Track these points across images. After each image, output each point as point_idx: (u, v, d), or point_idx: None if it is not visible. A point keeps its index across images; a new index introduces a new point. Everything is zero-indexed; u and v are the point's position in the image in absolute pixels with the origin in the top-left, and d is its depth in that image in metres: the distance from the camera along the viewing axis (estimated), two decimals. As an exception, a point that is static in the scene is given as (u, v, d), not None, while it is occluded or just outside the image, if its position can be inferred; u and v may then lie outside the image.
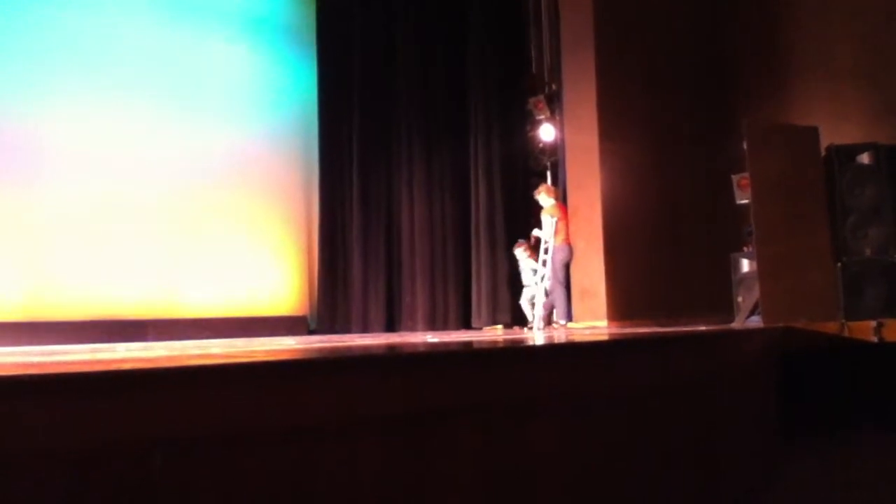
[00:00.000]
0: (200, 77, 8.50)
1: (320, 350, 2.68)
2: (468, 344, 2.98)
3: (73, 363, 1.97)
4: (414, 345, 3.28)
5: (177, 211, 8.17)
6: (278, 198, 9.04)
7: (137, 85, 7.99)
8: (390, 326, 8.79)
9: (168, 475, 1.44)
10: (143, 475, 1.42)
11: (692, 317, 6.49)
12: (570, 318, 7.55)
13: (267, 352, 2.48)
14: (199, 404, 1.50)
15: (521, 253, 8.28)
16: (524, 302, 8.24)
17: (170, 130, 8.21)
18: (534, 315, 7.89)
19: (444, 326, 8.84)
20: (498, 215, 9.08)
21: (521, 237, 8.36)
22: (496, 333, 7.32)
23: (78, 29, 7.72)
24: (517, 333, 7.20)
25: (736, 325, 5.69)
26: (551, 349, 2.71)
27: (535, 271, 8.02)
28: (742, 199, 6.36)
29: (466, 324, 8.99)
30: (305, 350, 2.80)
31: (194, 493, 1.47)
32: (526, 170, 9.36)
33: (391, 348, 2.83)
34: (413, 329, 8.67)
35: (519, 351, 2.55)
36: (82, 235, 7.50)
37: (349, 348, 2.85)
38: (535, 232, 7.88)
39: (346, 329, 8.78)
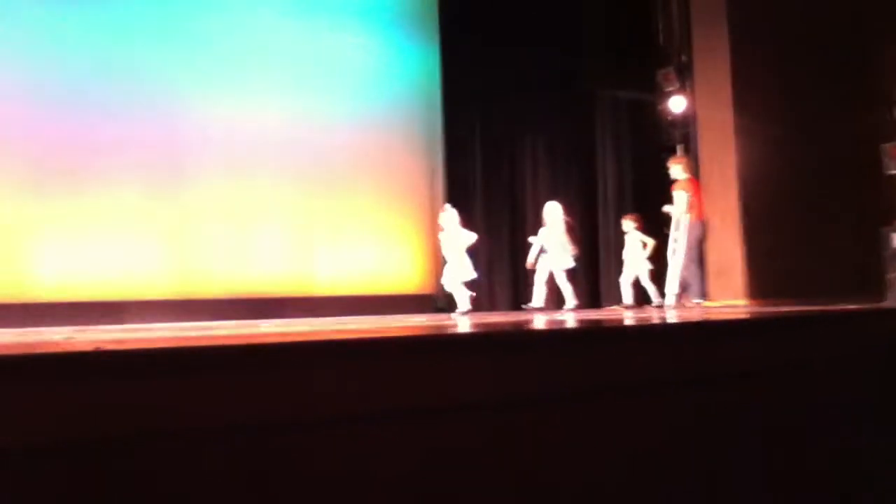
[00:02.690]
0: (327, 67, 8.74)
1: (475, 326, 2.74)
2: (598, 322, 2.97)
3: (229, 337, 2.11)
4: (558, 322, 3.30)
5: (312, 196, 8.51)
6: (405, 181, 9.20)
7: (272, 77, 8.35)
8: (516, 305, 8.80)
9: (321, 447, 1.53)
10: (310, 445, 1.51)
11: (837, 295, 6.15)
12: (704, 296, 7.32)
13: (404, 328, 2.56)
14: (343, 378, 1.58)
15: (628, 225, 8.02)
16: (624, 280, 7.97)
17: (304, 120, 8.52)
18: (648, 294, 7.75)
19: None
20: (627, 190, 8.89)
21: (652, 214, 8.03)
22: (624, 312, 7.20)
23: (210, 27, 8.12)
24: (645, 312, 7.06)
25: (888, 303, 5.35)
26: (687, 327, 2.66)
27: (644, 245, 7.82)
28: (893, 170, 5.96)
29: (594, 303, 8.88)
30: (446, 326, 2.87)
31: (360, 461, 1.55)
32: (656, 143, 9.10)
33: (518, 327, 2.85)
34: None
35: (653, 329, 2.52)
36: (228, 221, 7.98)
37: (492, 325, 2.89)
38: (666, 208, 7.62)
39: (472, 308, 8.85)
